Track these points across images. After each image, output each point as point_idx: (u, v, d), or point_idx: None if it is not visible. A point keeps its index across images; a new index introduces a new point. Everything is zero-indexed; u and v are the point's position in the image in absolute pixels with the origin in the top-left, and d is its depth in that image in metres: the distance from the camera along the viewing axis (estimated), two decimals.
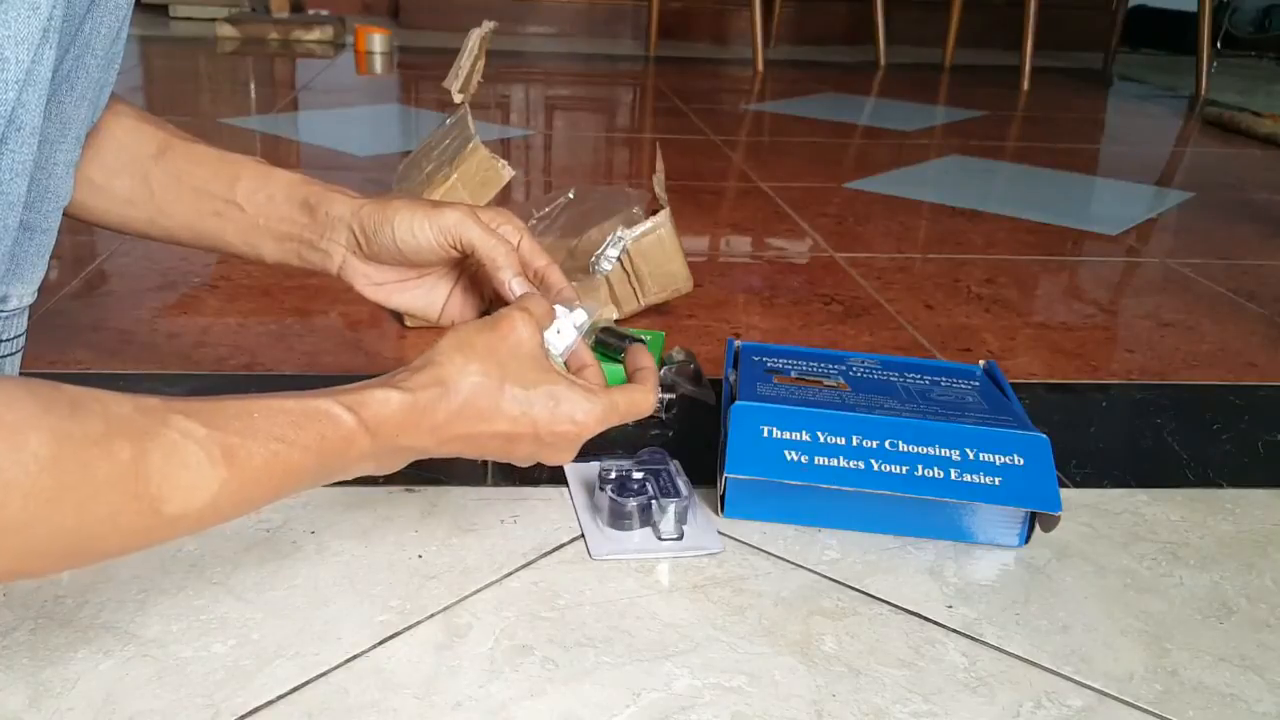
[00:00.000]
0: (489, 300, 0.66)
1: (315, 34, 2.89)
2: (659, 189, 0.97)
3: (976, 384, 0.75)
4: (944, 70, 3.04)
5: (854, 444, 0.65)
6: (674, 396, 0.80)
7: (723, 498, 0.67)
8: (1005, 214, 1.48)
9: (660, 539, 0.64)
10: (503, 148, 1.76)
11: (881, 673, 0.54)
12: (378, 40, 2.77)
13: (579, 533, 0.64)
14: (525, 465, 0.58)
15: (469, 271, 0.66)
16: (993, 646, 0.56)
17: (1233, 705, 0.53)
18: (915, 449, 0.65)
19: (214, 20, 2.94)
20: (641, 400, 0.59)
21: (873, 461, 0.64)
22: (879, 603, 0.60)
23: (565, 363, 0.60)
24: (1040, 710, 0.52)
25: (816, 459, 0.64)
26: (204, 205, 0.62)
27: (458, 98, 0.92)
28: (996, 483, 0.63)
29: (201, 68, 2.46)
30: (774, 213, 1.43)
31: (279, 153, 1.64)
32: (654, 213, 0.96)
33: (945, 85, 2.81)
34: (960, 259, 1.26)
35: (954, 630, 0.58)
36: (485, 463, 0.72)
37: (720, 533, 0.65)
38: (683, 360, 0.84)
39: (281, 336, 0.92)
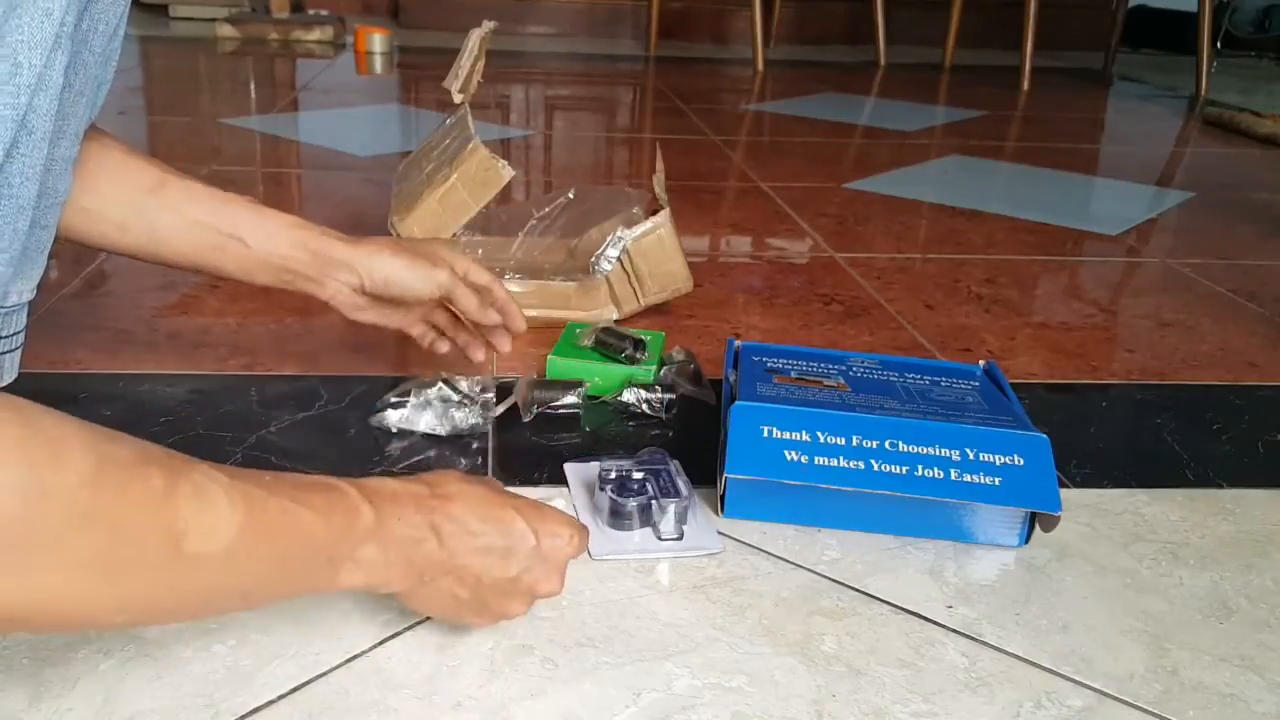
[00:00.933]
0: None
1: (315, 34, 2.89)
2: (659, 189, 0.97)
3: (976, 384, 0.75)
4: (944, 70, 3.04)
5: (854, 444, 0.65)
6: (674, 396, 0.80)
7: (723, 498, 0.67)
8: (1005, 214, 1.48)
9: (660, 539, 0.64)
10: (503, 148, 1.76)
11: (881, 673, 0.54)
12: (378, 40, 2.77)
13: None
14: (510, 602, 0.53)
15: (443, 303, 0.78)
16: (993, 646, 0.56)
17: (1233, 705, 0.53)
18: (915, 449, 0.65)
19: (214, 20, 2.93)
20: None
21: (873, 461, 0.64)
22: (879, 603, 0.60)
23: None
24: (1040, 710, 0.52)
25: (816, 459, 0.64)
26: (204, 239, 0.68)
27: (458, 98, 0.92)
28: (996, 483, 0.63)
29: (201, 68, 2.45)
30: (774, 213, 1.43)
31: (279, 152, 1.64)
32: (654, 213, 0.97)
33: (945, 85, 2.81)
34: (960, 259, 1.26)
35: (954, 630, 0.58)
36: (485, 459, 0.72)
37: (720, 533, 0.65)
38: (683, 360, 0.84)
39: (281, 336, 0.92)
